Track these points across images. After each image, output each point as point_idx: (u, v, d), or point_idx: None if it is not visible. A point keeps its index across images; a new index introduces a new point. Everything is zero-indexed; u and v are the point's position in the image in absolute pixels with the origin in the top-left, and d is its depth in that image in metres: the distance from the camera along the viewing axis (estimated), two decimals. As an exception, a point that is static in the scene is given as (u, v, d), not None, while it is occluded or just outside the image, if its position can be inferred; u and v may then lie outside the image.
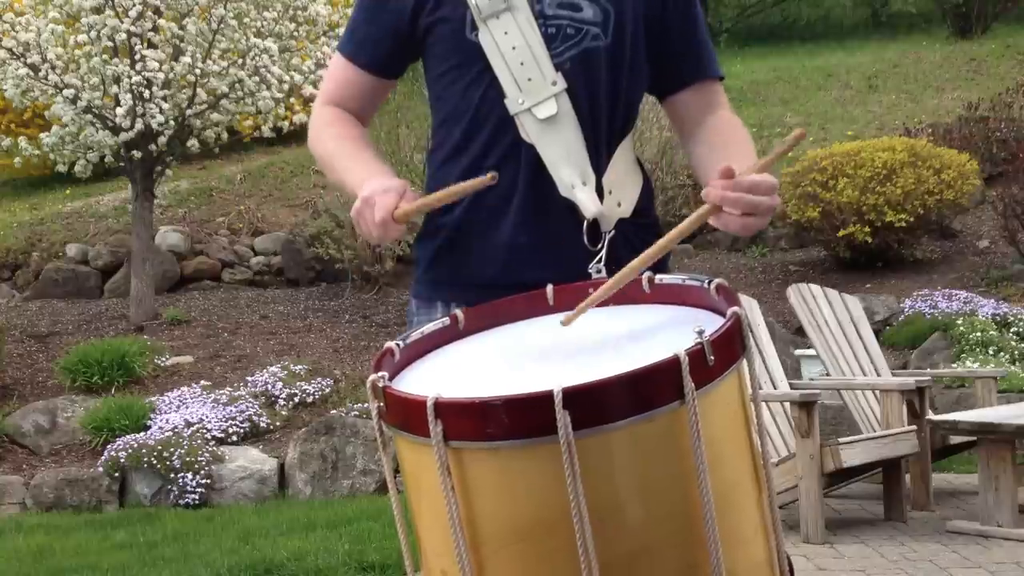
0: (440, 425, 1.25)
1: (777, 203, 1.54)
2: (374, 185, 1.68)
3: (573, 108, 1.74)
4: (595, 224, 1.74)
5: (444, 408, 1.25)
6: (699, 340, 1.26)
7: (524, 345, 1.51)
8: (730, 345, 1.32)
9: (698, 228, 1.55)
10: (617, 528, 1.25)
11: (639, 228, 1.79)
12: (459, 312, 1.58)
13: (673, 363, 1.23)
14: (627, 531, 1.26)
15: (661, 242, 1.48)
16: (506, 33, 1.73)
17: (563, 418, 1.20)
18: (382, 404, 1.36)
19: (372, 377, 1.36)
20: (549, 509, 1.24)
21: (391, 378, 1.42)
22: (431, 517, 1.33)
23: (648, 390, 1.23)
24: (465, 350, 1.54)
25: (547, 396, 1.20)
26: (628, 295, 1.53)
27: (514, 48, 1.73)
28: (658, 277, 1.53)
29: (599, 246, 1.73)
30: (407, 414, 1.30)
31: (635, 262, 1.47)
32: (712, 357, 1.27)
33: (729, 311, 1.34)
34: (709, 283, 1.44)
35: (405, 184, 1.70)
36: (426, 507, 1.34)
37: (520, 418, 1.22)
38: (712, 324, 1.33)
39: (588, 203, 1.73)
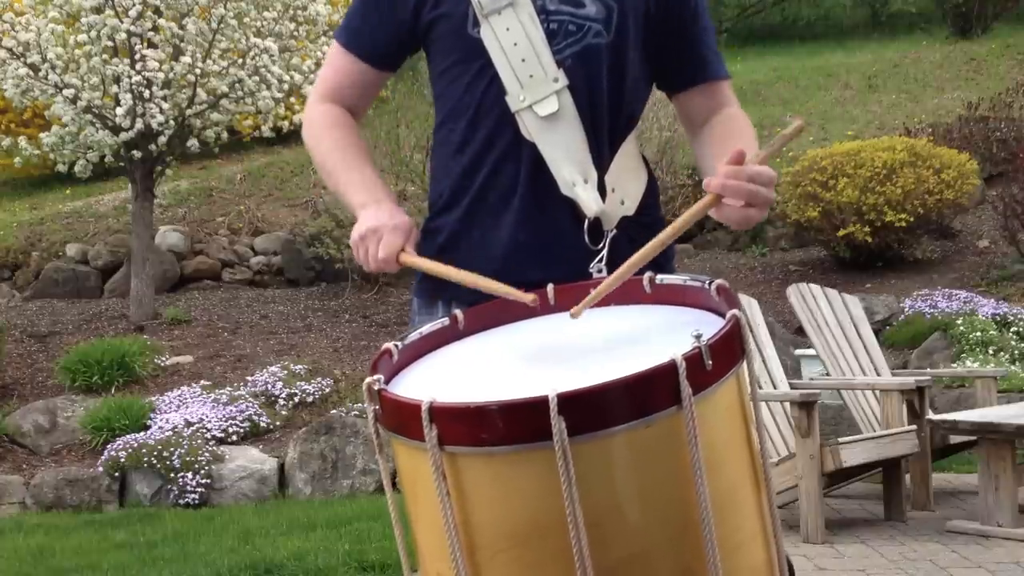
0: (435, 430, 1.24)
1: (774, 196, 1.54)
2: (382, 217, 1.69)
3: (574, 105, 1.72)
4: (597, 223, 1.73)
5: (439, 413, 1.24)
6: (697, 344, 1.25)
7: (523, 346, 1.49)
8: (729, 349, 1.30)
9: (698, 228, 1.55)
10: (613, 533, 1.24)
11: (643, 227, 1.77)
12: (459, 312, 1.57)
13: (670, 368, 1.22)
14: (623, 536, 1.25)
15: (662, 235, 1.47)
16: (508, 29, 1.71)
17: (558, 424, 1.18)
18: (378, 407, 1.35)
19: (368, 380, 1.35)
20: (545, 514, 1.23)
21: (389, 379, 1.41)
22: (427, 521, 1.32)
23: (644, 395, 1.22)
24: (464, 351, 1.53)
25: (542, 401, 1.19)
26: (629, 295, 1.52)
27: (515, 44, 1.71)
28: (659, 277, 1.52)
29: (600, 245, 1.72)
30: (402, 418, 1.29)
31: (638, 255, 1.46)
32: (710, 362, 1.25)
33: (728, 314, 1.33)
34: (710, 284, 1.43)
35: (412, 223, 1.72)
36: (422, 511, 1.33)
37: (515, 423, 1.21)
38: (712, 326, 1.32)
39: (589, 202, 1.72)
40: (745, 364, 1.35)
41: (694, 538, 1.25)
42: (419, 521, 1.36)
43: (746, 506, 1.35)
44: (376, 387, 1.34)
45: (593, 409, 1.20)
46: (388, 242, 1.67)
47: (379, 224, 1.69)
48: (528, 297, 1.49)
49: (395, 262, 1.68)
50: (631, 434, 1.22)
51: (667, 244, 1.48)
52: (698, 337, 1.25)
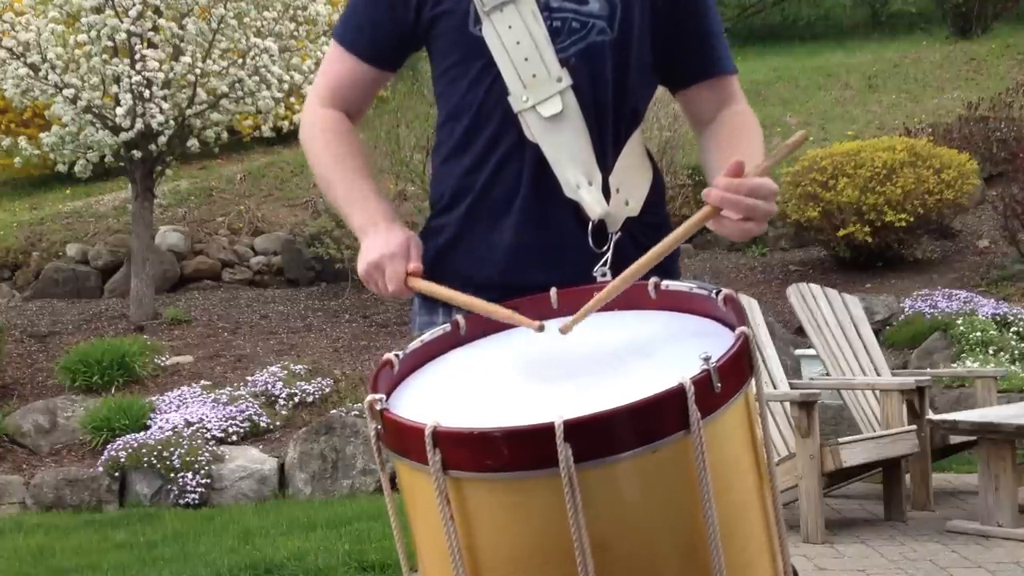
0: (438, 454, 1.21)
1: (775, 209, 1.51)
2: (379, 245, 1.68)
3: (578, 105, 1.68)
4: (601, 225, 1.69)
5: (442, 437, 1.21)
6: (705, 367, 1.22)
7: (527, 356, 1.46)
8: (737, 369, 1.27)
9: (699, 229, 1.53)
10: (619, 558, 1.22)
11: (648, 227, 1.74)
12: (460, 318, 1.54)
13: (678, 392, 1.19)
14: (630, 561, 1.23)
15: (659, 247, 1.45)
16: (510, 27, 1.68)
17: (564, 451, 1.16)
18: (380, 427, 1.32)
19: (370, 398, 1.32)
20: (550, 540, 1.20)
21: (391, 390, 1.39)
22: (430, 542, 1.30)
23: (652, 421, 1.19)
24: (467, 359, 1.50)
25: (548, 428, 1.16)
26: (633, 300, 1.49)
27: (518, 43, 1.67)
28: (665, 283, 1.48)
29: (604, 248, 1.68)
30: (405, 441, 1.27)
31: (632, 268, 1.43)
32: (719, 384, 1.22)
33: (736, 331, 1.29)
34: (717, 294, 1.40)
35: (410, 239, 1.70)
36: (425, 531, 1.31)
37: (520, 450, 1.18)
38: (717, 337, 1.29)
39: (593, 204, 1.68)
40: (753, 380, 1.32)
41: (702, 560, 1.23)
42: (420, 539, 1.34)
43: (754, 521, 1.33)
44: (378, 407, 1.31)
45: (600, 436, 1.18)
46: (391, 275, 1.66)
47: (379, 256, 1.67)
48: (535, 324, 1.46)
49: (405, 289, 1.67)
50: (638, 460, 1.20)
51: (663, 256, 1.45)
52: (707, 359, 1.22)
